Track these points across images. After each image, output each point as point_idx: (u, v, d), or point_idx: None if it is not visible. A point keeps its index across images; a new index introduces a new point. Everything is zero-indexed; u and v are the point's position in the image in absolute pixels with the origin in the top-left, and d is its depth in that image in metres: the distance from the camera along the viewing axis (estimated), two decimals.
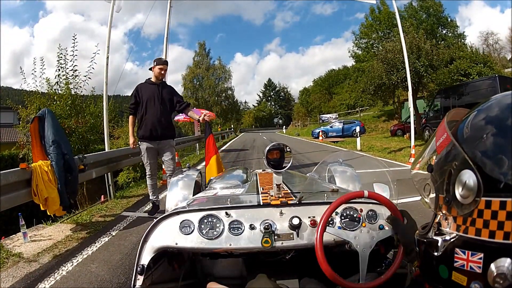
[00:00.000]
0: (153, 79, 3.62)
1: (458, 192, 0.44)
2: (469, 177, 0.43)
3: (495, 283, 0.39)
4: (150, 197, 3.84)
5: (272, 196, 1.17)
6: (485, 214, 0.41)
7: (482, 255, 0.41)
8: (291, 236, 1.05)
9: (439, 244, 0.48)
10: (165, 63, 3.68)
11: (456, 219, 0.45)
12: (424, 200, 0.52)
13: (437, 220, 0.50)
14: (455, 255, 0.45)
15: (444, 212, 0.48)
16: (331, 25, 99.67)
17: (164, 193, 4.07)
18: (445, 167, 0.47)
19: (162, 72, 3.59)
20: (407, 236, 0.84)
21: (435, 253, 0.48)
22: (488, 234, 0.41)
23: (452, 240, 0.46)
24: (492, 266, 0.40)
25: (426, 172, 0.52)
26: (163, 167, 3.92)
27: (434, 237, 0.49)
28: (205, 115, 3.46)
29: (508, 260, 0.38)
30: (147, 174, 3.73)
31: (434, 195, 0.50)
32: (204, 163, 3.38)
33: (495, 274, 0.39)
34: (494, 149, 0.42)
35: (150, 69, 3.65)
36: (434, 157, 0.51)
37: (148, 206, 4.17)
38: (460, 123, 0.49)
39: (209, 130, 3.34)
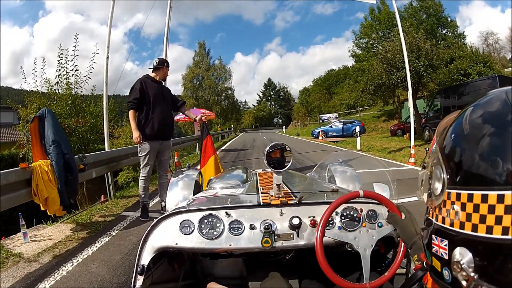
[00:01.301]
0: (156, 78, 3.56)
1: (433, 185, 0.50)
2: (437, 172, 0.49)
3: (453, 270, 0.43)
4: (142, 200, 3.67)
5: (272, 196, 1.17)
6: (447, 204, 0.46)
7: (446, 241, 0.46)
8: (291, 236, 1.05)
9: (425, 232, 0.54)
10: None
11: (435, 209, 0.51)
12: (421, 196, 0.59)
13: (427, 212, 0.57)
14: (432, 241, 0.50)
15: (427, 204, 0.54)
16: (332, 25, 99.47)
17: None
18: (430, 164, 0.54)
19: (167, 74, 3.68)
20: (406, 229, 0.86)
21: (426, 241, 0.54)
22: (449, 223, 0.45)
23: (430, 228, 0.51)
24: (454, 252, 0.43)
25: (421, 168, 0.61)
26: (157, 168, 3.83)
27: (425, 227, 0.55)
28: (202, 115, 3.45)
29: (464, 249, 0.42)
30: (142, 175, 3.57)
31: (422, 189, 0.58)
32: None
33: (455, 259, 0.43)
34: (459, 144, 0.47)
35: (157, 69, 3.55)
36: (426, 156, 0.59)
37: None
38: (448, 129, 0.54)
39: (206, 131, 3.31)
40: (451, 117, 0.56)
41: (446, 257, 0.45)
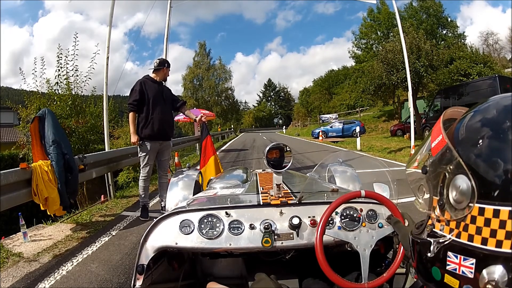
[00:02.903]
0: (157, 78, 3.55)
1: (452, 196, 0.44)
2: (463, 182, 0.42)
3: None
4: (142, 200, 3.67)
5: (272, 196, 1.17)
6: (478, 221, 0.41)
7: (474, 260, 0.42)
8: (291, 236, 1.05)
9: (432, 246, 0.48)
10: None
11: (449, 223, 0.45)
12: (418, 200, 0.52)
13: (430, 222, 0.50)
14: (448, 258, 0.45)
15: (437, 214, 0.48)
16: (333, 25, 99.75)
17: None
18: (439, 170, 0.47)
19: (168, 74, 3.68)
20: (408, 238, 0.83)
21: (428, 255, 0.49)
22: (480, 241, 0.41)
23: (445, 243, 0.46)
24: (484, 272, 0.40)
25: (421, 173, 0.52)
26: (157, 168, 3.82)
27: (428, 238, 0.49)
28: (202, 116, 3.45)
29: (500, 267, 0.39)
30: (142, 175, 3.57)
31: (428, 196, 0.50)
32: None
33: (486, 280, 0.40)
34: (490, 154, 0.41)
35: (157, 70, 3.54)
36: (429, 159, 0.51)
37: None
38: (456, 124, 0.48)
39: (206, 131, 3.32)
40: (457, 110, 0.52)
41: (471, 275, 0.42)
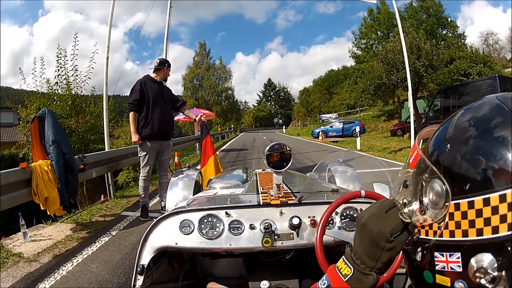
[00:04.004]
0: (157, 78, 3.56)
1: (430, 199, 0.47)
2: (437, 185, 0.45)
3: (476, 278, 0.41)
4: (142, 200, 3.68)
5: (272, 196, 1.17)
6: (456, 216, 0.43)
7: (459, 254, 0.44)
8: (291, 236, 1.05)
9: (419, 252, 0.51)
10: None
11: (432, 226, 0.48)
12: (402, 213, 0.54)
13: (416, 230, 0.52)
14: (435, 258, 0.47)
15: (420, 221, 0.50)
16: (334, 24, 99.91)
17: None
18: (417, 180, 0.50)
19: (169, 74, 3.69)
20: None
21: (418, 260, 0.51)
22: (461, 234, 0.43)
23: (430, 246, 0.48)
24: (472, 261, 0.42)
25: (402, 187, 0.55)
26: (157, 168, 3.82)
27: (415, 247, 0.52)
28: (201, 115, 3.45)
29: (486, 254, 0.40)
30: (142, 175, 3.58)
31: (411, 207, 0.52)
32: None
33: (475, 268, 0.41)
34: (455, 153, 0.44)
35: (157, 69, 3.55)
36: (408, 173, 0.54)
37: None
38: (430, 139, 0.52)
39: (206, 131, 3.32)
40: (432, 128, 0.55)
41: (460, 269, 0.43)
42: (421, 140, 0.56)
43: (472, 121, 0.45)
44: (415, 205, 0.51)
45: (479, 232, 0.41)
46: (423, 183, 0.48)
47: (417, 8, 21.94)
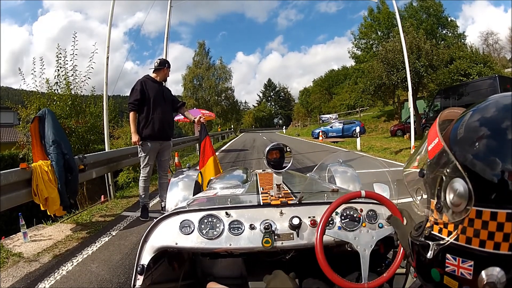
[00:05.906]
0: (157, 78, 3.55)
1: (449, 199, 0.44)
2: (460, 185, 0.42)
3: None
4: (142, 200, 3.67)
5: (272, 196, 1.17)
6: (476, 224, 0.41)
7: (472, 262, 0.42)
8: (291, 236, 1.05)
9: (430, 248, 0.48)
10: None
11: (448, 225, 0.46)
12: (415, 203, 0.52)
13: (429, 224, 0.50)
14: (447, 260, 0.45)
15: (435, 217, 0.48)
16: (335, 24, 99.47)
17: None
18: (436, 173, 0.47)
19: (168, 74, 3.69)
20: (407, 236, 0.83)
21: (428, 256, 0.49)
22: (478, 243, 0.41)
23: (443, 245, 0.46)
24: (483, 274, 0.40)
25: (418, 176, 0.52)
26: (157, 168, 3.82)
27: (426, 241, 0.50)
28: (200, 117, 3.44)
29: (497, 269, 0.39)
30: (143, 175, 3.57)
31: (425, 199, 0.50)
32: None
33: (485, 282, 0.40)
34: (487, 155, 0.41)
35: (157, 69, 3.55)
36: (426, 161, 0.50)
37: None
38: (453, 125, 0.47)
39: (205, 132, 3.32)
40: (454, 111, 0.51)
41: (469, 277, 0.42)
42: (441, 122, 0.51)
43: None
44: (431, 199, 0.48)
45: (497, 246, 0.39)
46: (443, 177, 0.45)
47: (417, 7, 21.94)
